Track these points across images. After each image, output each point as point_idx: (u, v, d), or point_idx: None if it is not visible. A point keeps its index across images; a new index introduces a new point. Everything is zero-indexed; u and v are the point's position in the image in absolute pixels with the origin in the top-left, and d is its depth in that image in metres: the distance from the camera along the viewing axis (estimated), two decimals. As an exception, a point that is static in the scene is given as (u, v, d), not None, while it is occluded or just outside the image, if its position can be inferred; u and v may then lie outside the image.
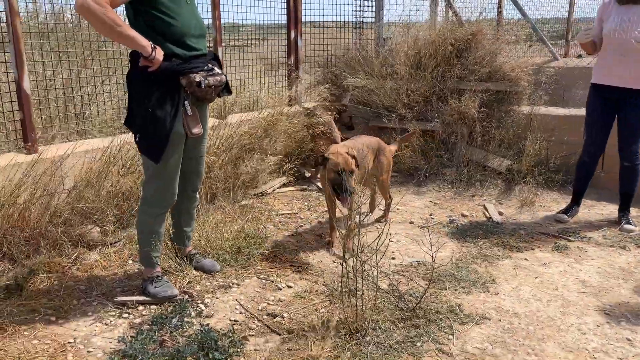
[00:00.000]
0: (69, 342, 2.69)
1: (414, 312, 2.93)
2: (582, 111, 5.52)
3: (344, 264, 2.84)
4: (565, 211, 4.61)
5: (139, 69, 2.78)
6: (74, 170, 3.93)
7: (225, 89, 3.15)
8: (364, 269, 2.82)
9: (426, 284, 3.17)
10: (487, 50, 5.77)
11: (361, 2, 6.91)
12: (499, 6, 7.28)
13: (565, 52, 8.17)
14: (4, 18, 3.61)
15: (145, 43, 2.65)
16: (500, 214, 4.73)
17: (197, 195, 3.44)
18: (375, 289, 2.98)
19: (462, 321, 2.90)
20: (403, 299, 3.06)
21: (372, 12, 6.88)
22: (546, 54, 7.10)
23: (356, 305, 2.75)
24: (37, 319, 2.90)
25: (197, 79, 2.85)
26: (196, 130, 2.95)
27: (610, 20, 4.12)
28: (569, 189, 5.20)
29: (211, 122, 4.80)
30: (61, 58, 4.54)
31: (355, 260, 2.81)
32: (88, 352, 2.62)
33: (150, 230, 3.10)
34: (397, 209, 4.78)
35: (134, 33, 2.64)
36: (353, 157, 3.66)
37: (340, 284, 2.91)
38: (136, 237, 3.79)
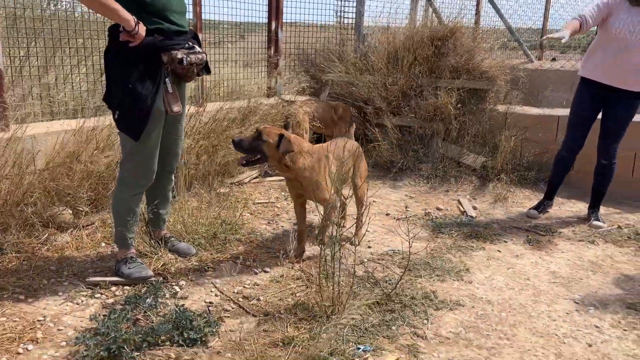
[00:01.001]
0: (38, 320, 2.63)
1: (389, 297, 2.95)
2: (555, 111, 5.70)
3: (322, 247, 2.84)
4: (537, 207, 4.70)
5: (119, 45, 2.74)
6: (46, 150, 3.84)
7: (205, 68, 3.13)
8: (341, 253, 2.83)
9: (402, 272, 3.20)
10: (465, 48, 5.85)
11: (342, -1, 6.94)
12: (477, 7, 7.40)
13: (539, 56, 8.34)
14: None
15: (128, 17, 2.61)
16: (475, 208, 4.80)
17: (173, 177, 3.40)
18: (351, 275, 2.99)
19: (436, 307, 2.93)
20: (379, 285, 3.08)
21: (352, 7, 6.91)
22: (521, 57, 7.24)
23: (332, 288, 2.76)
24: (5, 296, 2.82)
25: (179, 56, 2.82)
26: (176, 108, 2.92)
27: (619, 18, 4.04)
28: (541, 187, 5.32)
29: (191, 110, 4.75)
30: (36, 41, 4.42)
31: (332, 245, 2.82)
32: (58, 330, 2.56)
33: (127, 210, 3.05)
34: (374, 201, 4.80)
35: (117, 5, 2.59)
36: (282, 135, 3.16)
37: (318, 268, 2.91)
38: (110, 220, 3.75)
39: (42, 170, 3.77)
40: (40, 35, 4.38)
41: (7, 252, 3.26)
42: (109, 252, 3.43)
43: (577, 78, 4.41)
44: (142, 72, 2.78)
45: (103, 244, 3.55)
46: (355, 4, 6.86)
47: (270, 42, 6.28)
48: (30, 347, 2.41)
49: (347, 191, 3.63)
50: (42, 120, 4.16)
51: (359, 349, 2.49)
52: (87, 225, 3.77)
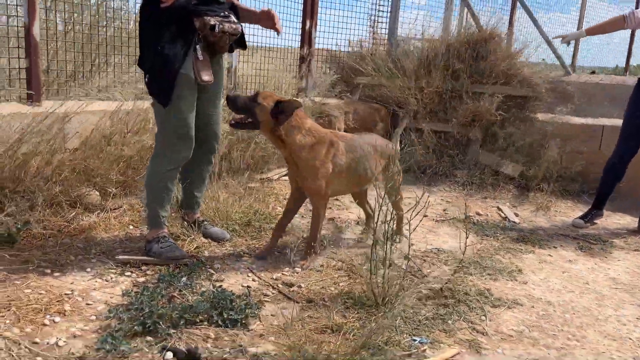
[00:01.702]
0: (65, 294, 2.43)
1: (441, 292, 2.72)
2: (599, 121, 5.47)
3: (373, 233, 2.63)
4: (584, 217, 4.44)
5: (152, 7, 2.61)
6: (79, 129, 3.69)
7: (240, 42, 2.99)
8: (392, 239, 2.63)
9: (450, 268, 2.97)
10: (505, 53, 5.67)
11: (377, 2, 6.82)
12: (511, 18, 7.24)
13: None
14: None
15: None
16: (516, 215, 4.55)
17: (213, 159, 3.22)
18: (399, 267, 2.76)
19: (493, 304, 2.69)
20: (428, 280, 2.85)
21: (387, 11, 6.79)
22: (558, 68, 7.04)
23: (383, 275, 2.53)
24: (30, 269, 2.63)
25: (212, 22, 2.69)
26: (206, 77, 2.76)
27: None
28: (585, 199, 5.07)
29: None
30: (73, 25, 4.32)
31: (385, 231, 2.61)
32: (87, 304, 2.36)
33: (161, 186, 2.87)
34: (409, 203, 4.57)
35: None
36: (280, 101, 2.82)
37: (370, 253, 2.67)
38: (138, 205, 3.57)
39: (74, 150, 3.62)
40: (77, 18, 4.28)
41: (33, 227, 3.08)
42: (137, 234, 3.24)
43: (618, 91, 4.21)
44: (173, 35, 2.66)
45: (131, 227, 3.36)
46: (390, 8, 6.74)
47: (304, 41, 6.15)
48: (57, 319, 2.21)
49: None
50: (79, 99, 4.01)
51: (415, 340, 2.26)
52: (114, 209, 3.59)
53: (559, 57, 6.99)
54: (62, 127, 3.55)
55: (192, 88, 2.78)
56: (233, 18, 2.82)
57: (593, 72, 7.24)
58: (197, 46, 2.73)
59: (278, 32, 2.97)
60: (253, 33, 5.29)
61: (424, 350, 2.19)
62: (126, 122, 3.88)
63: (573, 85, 6.44)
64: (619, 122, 4.44)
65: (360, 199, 3.60)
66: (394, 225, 3.15)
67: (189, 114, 2.81)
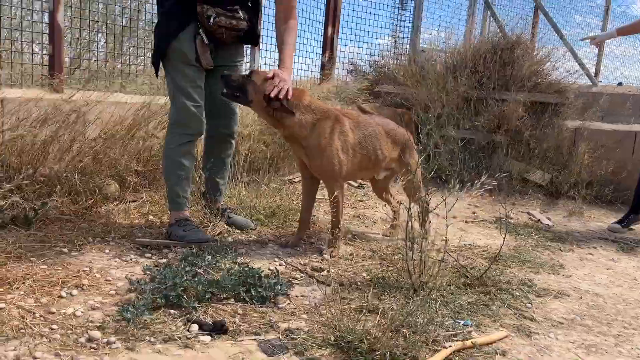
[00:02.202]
0: (83, 270, 2.29)
1: (481, 280, 2.53)
2: (632, 127, 5.30)
3: (409, 213, 2.47)
4: (621, 221, 4.23)
5: None
6: (100, 119, 3.60)
7: (249, 38, 2.93)
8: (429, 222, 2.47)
9: (486, 261, 2.80)
10: (532, 59, 5.55)
11: (399, 11, 6.79)
12: (533, 29, 7.15)
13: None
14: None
15: None
16: (548, 219, 4.36)
17: (233, 142, 3.10)
18: (436, 254, 2.59)
19: (537, 294, 2.50)
20: (466, 269, 2.66)
21: (410, 21, 6.74)
22: (584, 78, 6.89)
23: (420, 258, 2.36)
24: (46, 248, 2.50)
25: (209, 13, 2.67)
26: (204, 61, 2.76)
27: None
28: (618, 207, 4.87)
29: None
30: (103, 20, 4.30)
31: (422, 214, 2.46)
32: (106, 280, 2.22)
33: (174, 161, 2.80)
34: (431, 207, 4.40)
35: None
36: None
37: (405, 236, 2.50)
38: (158, 197, 3.45)
39: (94, 139, 3.53)
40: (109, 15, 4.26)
41: (50, 211, 2.96)
42: (158, 222, 3.11)
43: None
44: (171, 12, 2.72)
45: (151, 217, 3.23)
46: (412, 17, 6.69)
47: (325, 47, 6.10)
48: (74, 292, 2.06)
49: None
50: (104, 89, 3.94)
51: (458, 322, 2.07)
52: (133, 201, 3.47)
53: (583, 67, 6.86)
54: (83, 115, 3.47)
55: (190, 64, 2.76)
56: (240, 14, 2.77)
57: (620, 84, 7.08)
58: (200, 30, 2.73)
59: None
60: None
61: (470, 332, 2.01)
62: (148, 116, 3.80)
63: (600, 95, 6.29)
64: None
65: (382, 192, 3.42)
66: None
67: (192, 89, 2.78)
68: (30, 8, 3.60)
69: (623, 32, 4.40)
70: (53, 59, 3.48)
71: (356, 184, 4.87)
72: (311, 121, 2.72)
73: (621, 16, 8.92)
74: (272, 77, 2.63)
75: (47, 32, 3.46)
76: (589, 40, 4.65)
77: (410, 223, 2.46)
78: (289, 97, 2.64)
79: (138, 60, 4.45)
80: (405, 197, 3.20)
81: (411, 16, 6.73)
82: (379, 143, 2.94)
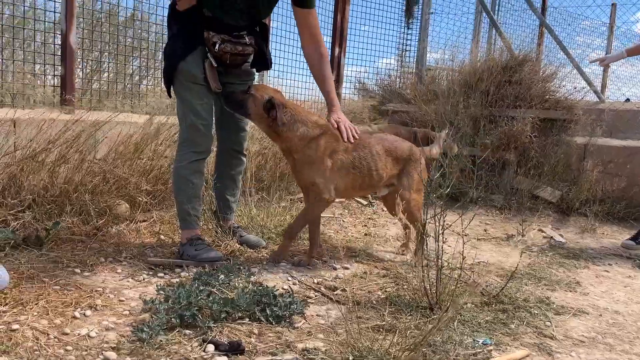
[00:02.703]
0: (96, 290, 2.27)
1: (497, 298, 2.50)
2: (641, 143, 5.26)
3: (422, 230, 2.45)
4: (635, 238, 4.16)
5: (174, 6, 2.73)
6: (109, 139, 3.62)
7: (260, 63, 2.99)
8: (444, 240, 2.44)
9: (501, 279, 2.76)
10: (540, 76, 5.56)
11: (405, 31, 6.84)
12: (539, 47, 7.19)
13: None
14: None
15: None
16: (561, 236, 4.31)
17: (244, 159, 3.11)
18: (450, 274, 2.55)
19: (556, 312, 2.46)
20: (482, 287, 2.63)
21: (416, 40, 6.79)
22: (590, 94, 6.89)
23: (437, 276, 2.33)
24: (59, 268, 2.49)
25: (214, 40, 2.70)
26: (213, 84, 2.78)
27: None
28: (631, 223, 4.81)
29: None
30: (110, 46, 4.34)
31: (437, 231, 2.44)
32: (120, 300, 2.20)
33: (184, 179, 2.80)
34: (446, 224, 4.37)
35: None
36: (273, 97, 2.75)
37: (419, 257, 2.48)
38: (167, 217, 3.45)
39: (103, 159, 3.54)
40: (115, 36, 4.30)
41: (61, 232, 2.95)
42: (169, 241, 3.09)
43: None
44: (179, 34, 2.75)
45: (162, 237, 3.22)
46: (417, 37, 6.74)
47: (333, 68, 6.13)
48: (88, 312, 2.04)
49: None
50: (114, 109, 3.96)
51: (477, 341, 2.04)
52: (143, 221, 3.46)
53: (590, 84, 6.86)
54: (94, 135, 3.49)
55: (199, 83, 2.78)
56: (246, 40, 2.80)
57: (627, 100, 7.08)
58: (209, 54, 2.76)
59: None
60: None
61: (490, 351, 1.97)
62: (157, 135, 3.81)
63: (608, 111, 6.28)
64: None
65: (393, 208, 3.37)
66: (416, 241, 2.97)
67: (201, 107, 2.79)
68: (43, 29, 3.63)
69: (632, 52, 4.40)
70: (65, 80, 3.50)
71: (365, 202, 4.85)
72: (310, 136, 2.76)
73: (622, 36, 8.97)
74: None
75: (60, 53, 3.47)
76: (598, 62, 4.65)
77: (425, 241, 2.44)
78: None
79: (147, 80, 4.49)
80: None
81: (417, 35, 6.77)
82: (374, 163, 2.92)
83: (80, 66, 3.97)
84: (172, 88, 2.83)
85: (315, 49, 2.86)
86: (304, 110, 2.90)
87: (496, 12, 7.34)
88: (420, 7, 6.66)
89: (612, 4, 8.98)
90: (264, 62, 3.00)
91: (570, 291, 2.82)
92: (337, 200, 3.34)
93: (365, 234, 3.78)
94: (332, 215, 4.32)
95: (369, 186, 3.00)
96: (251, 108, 2.74)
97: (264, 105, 2.71)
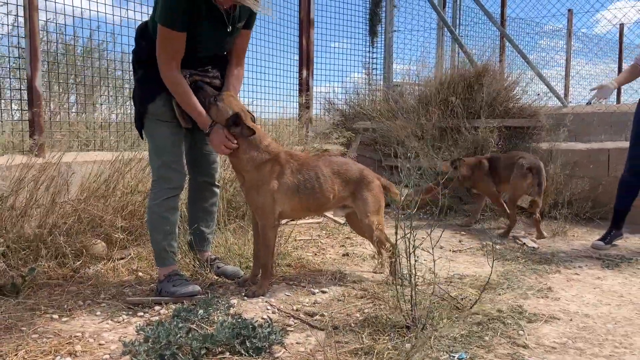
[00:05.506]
0: (75, 336, 2.27)
1: (471, 311, 2.57)
2: (604, 145, 5.46)
3: (396, 248, 2.51)
4: (603, 238, 4.31)
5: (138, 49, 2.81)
6: (81, 178, 3.62)
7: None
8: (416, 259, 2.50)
9: (476, 291, 2.83)
10: (501, 85, 5.73)
11: (370, 49, 6.98)
12: (501, 56, 7.40)
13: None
14: (22, 12, 3.45)
15: (205, 119, 2.72)
16: (533, 241, 4.43)
17: (217, 190, 3.15)
18: (426, 290, 2.62)
19: (529, 319, 2.54)
20: (456, 301, 2.70)
21: (381, 57, 6.93)
22: (554, 99, 7.11)
23: (411, 295, 2.39)
24: (37, 316, 2.48)
25: (182, 74, 2.73)
26: (182, 122, 2.82)
27: None
28: (598, 223, 4.97)
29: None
30: (76, 77, 4.36)
31: (407, 250, 2.50)
32: (100, 344, 2.21)
33: (159, 216, 2.82)
34: (422, 237, 4.45)
35: (195, 101, 2.70)
36: (238, 114, 2.76)
37: (394, 275, 2.55)
38: (146, 252, 3.45)
39: (76, 199, 3.54)
40: (80, 72, 4.32)
41: (38, 277, 2.94)
42: (147, 278, 3.10)
43: (615, 118, 4.22)
44: (147, 76, 2.77)
45: (140, 273, 3.22)
46: (382, 54, 6.88)
47: (301, 89, 6.23)
48: None
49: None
50: (78, 150, 3.97)
51: (453, 357, 2.10)
52: (121, 259, 3.46)
53: (553, 90, 7.08)
54: (66, 176, 3.49)
55: (169, 122, 2.82)
56: (212, 73, 2.88)
57: (589, 104, 7.30)
58: None
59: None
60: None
61: (466, 366, 2.03)
62: (126, 171, 3.82)
63: (571, 115, 6.48)
64: (623, 144, 4.42)
65: (357, 227, 3.42)
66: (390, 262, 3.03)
67: (172, 145, 2.83)
68: (8, 76, 3.64)
69: (622, 81, 4.52)
70: (33, 123, 3.50)
71: (342, 221, 4.91)
72: (260, 161, 2.83)
73: (583, 37, 9.29)
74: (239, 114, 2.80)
75: (26, 97, 3.49)
76: (596, 99, 4.75)
77: (397, 260, 2.51)
78: (252, 138, 2.81)
79: (113, 116, 4.51)
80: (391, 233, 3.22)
81: (382, 53, 6.92)
82: (319, 185, 2.97)
83: (47, 108, 3.97)
84: (142, 130, 2.86)
85: (237, 65, 2.96)
86: (266, 135, 2.95)
87: (457, 26, 7.55)
88: (383, 26, 6.82)
89: (569, 10, 9.32)
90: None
91: (543, 297, 2.91)
92: (282, 221, 3.39)
93: (344, 255, 3.83)
94: (310, 238, 4.37)
95: (318, 206, 3.05)
96: (213, 115, 2.75)
97: (228, 120, 2.74)
